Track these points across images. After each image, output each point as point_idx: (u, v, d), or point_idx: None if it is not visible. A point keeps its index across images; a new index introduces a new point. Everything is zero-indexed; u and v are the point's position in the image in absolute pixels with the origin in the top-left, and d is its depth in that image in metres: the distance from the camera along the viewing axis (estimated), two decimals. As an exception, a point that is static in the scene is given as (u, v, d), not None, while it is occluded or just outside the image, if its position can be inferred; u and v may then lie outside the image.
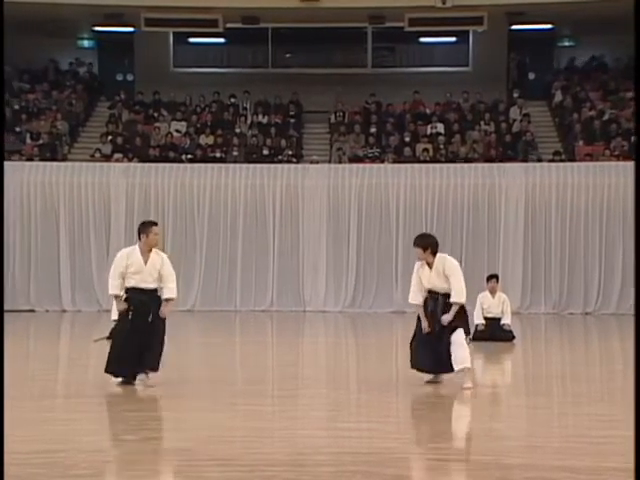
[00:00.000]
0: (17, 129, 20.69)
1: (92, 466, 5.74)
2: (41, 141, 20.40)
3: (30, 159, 19.47)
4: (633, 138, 18.90)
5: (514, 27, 22.12)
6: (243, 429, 6.99)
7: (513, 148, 20.33)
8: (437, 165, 19.20)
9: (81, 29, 23.15)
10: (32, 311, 18.50)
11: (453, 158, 19.88)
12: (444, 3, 19.86)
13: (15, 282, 18.65)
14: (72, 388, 9.16)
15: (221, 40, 23.18)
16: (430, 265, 8.85)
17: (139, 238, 8.90)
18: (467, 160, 19.68)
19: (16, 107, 21.39)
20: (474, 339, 13.01)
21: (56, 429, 7.00)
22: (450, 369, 8.77)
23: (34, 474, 5.51)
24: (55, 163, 19.33)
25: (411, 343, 9.06)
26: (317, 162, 19.93)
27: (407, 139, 20.57)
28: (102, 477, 5.54)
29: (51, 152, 20.17)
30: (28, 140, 20.47)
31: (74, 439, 6.53)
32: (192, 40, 23.39)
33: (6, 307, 18.47)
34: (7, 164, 18.90)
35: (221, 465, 5.72)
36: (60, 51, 23.18)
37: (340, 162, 19.91)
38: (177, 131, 20.97)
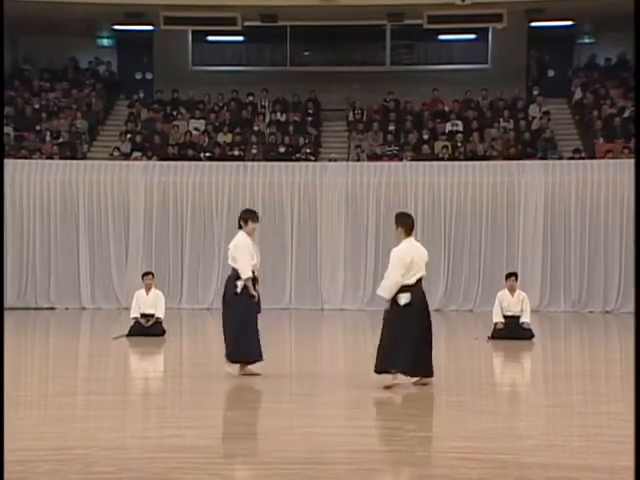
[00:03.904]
0: (37, 128, 20.81)
1: (113, 463, 5.78)
2: (61, 140, 20.50)
3: (50, 158, 19.59)
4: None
5: (534, 24, 21.97)
6: (262, 427, 7.01)
7: (532, 146, 20.24)
8: (456, 163, 19.13)
9: (101, 28, 23.24)
10: (52, 309, 18.61)
11: (472, 156, 19.81)
12: (463, 0, 19.78)
13: (36, 280, 18.78)
14: (93, 385, 9.21)
15: (240, 38, 23.20)
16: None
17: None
18: (486, 158, 19.61)
19: (36, 106, 21.51)
20: (493, 337, 13.01)
21: (77, 426, 7.04)
22: None
23: (55, 470, 5.55)
24: (75, 161, 19.41)
25: None
26: (335, 160, 19.91)
27: (425, 137, 20.53)
28: (123, 474, 5.56)
29: (71, 151, 20.27)
30: (48, 139, 20.59)
31: (95, 436, 6.57)
32: (211, 38, 23.42)
33: (27, 305, 18.66)
34: (27, 162, 19.04)
35: (241, 463, 5.74)
36: (80, 50, 23.29)
37: (358, 160, 19.88)
38: (196, 129, 21.02)
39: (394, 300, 8.55)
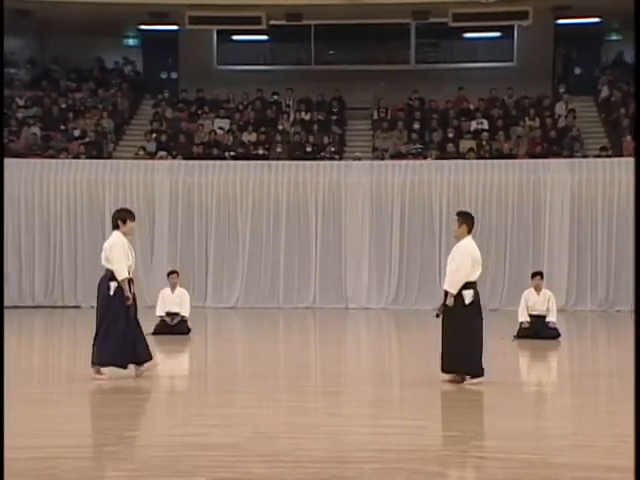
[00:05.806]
0: (64, 127, 20.98)
1: (139, 461, 5.81)
2: (87, 139, 20.64)
3: (76, 157, 19.73)
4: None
5: (560, 21, 21.82)
6: (287, 425, 7.02)
7: (559, 144, 20.10)
8: (481, 161, 19.05)
9: (126, 28, 23.38)
10: (78, 307, 18.75)
11: (497, 154, 19.70)
12: (488, -2, 19.68)
13: (62, 278, 18.93)
14: (118, 384, 9.25)
15: (264, 37, 23.24)
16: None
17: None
18: (511, 156, 19.50)
19: (63, 106, 21.69)
20: (519, 337, 12.93)
21: (104, 424, 7.09)
22: None
23: (82, 468, 5.58)
24: (101, 161, 19.54)
25: None
26: (360, 159, 19.89)
27: (450, 135, 20.44)
28: (150, 472, 5.59)
29: (97, 150, 20.41)
30: (74, 138, 20.72)
31: (121, 434, 6.61)
32: (236, 38, 23.48)
33: (54, 304, 18.81)
34: (54, 162, 19.21)
35: (266, 461, 5.74)
36: (106, 50, 23.44)
37: (383, 159, 19.84)
38: (220, 129, 21.08)
39: (459, 298, 8.56)
